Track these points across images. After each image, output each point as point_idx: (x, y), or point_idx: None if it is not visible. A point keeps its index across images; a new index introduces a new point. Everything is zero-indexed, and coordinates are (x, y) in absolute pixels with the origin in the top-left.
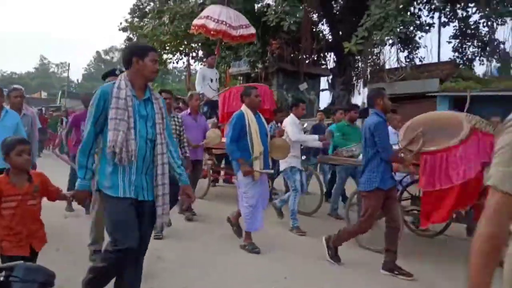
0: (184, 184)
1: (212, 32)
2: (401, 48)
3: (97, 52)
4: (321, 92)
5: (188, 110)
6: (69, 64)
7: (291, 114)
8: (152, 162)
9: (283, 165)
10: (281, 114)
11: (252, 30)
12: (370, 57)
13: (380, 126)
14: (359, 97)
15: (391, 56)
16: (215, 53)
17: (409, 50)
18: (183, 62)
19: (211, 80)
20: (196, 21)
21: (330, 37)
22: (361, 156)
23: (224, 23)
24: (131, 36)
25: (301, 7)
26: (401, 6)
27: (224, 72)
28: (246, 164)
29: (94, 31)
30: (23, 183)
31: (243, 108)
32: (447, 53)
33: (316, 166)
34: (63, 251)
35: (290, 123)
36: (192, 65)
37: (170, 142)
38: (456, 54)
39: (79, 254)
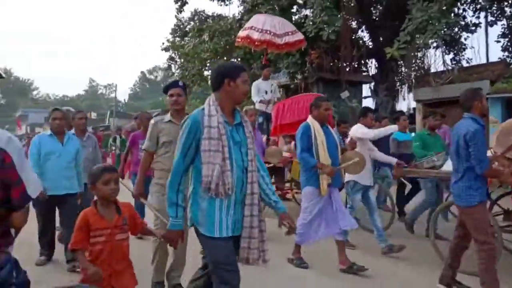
0: (282, 212)
1: (256, 43)
2: (447, 51)
3: (142, 72)
4: (363, 100)
5: None
6: (116, 85)
7: (359, 124)
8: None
9: (347, 177)
10: (345, 125)
11: (299, 36)
12: (413, 61)
13: (478, 134)
14: (404, 103)
15: (436, 59)
16: (261, 62)
17: (455, 52)
18: None
19: (266, 92)
20: (240, 33)
21: (370, 43)
22: (445, 167)
23: (268, 32)
24: (173, 55)
25: (339, 16)
26: (444, 8)
27: None
28: (325, 165)
29: (138, 52)
30: (112, 214)
31: (310, 119)
32: (496, 53)
33: (383, 180)
34: None
35: (358, 128)
36: None
37: (260, 165)
38: (506, 53)
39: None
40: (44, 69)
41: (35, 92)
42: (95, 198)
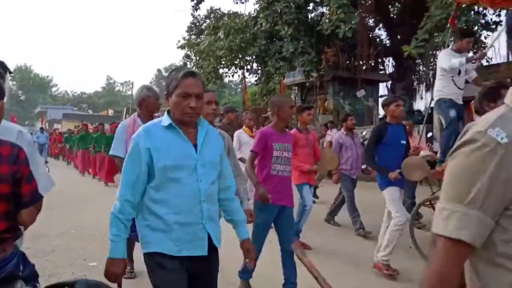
0: None
1: None
2: None
3: (158, 70)
4: (380, 98)
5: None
6: (132, 82)
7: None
8: None
9: None
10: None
11: None
12: (432, 60)
13: None
14: (421, 102)
15: None
16: (449, 22)
17: (475, 51)
18: (238, 75)
19: (459, 72)
20: None
21: (387, 41)
22: None
23: None
24: (188, 53)
25: (356, 13)
26: (464, 6)
27: (278, 83)
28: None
29: (154, 49)
30: None
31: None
32: None
33: None
34: None
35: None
36: (247, 78)
37: None
38: None
39: None
40: (63, 66)
41: (54, 89)
42: None
